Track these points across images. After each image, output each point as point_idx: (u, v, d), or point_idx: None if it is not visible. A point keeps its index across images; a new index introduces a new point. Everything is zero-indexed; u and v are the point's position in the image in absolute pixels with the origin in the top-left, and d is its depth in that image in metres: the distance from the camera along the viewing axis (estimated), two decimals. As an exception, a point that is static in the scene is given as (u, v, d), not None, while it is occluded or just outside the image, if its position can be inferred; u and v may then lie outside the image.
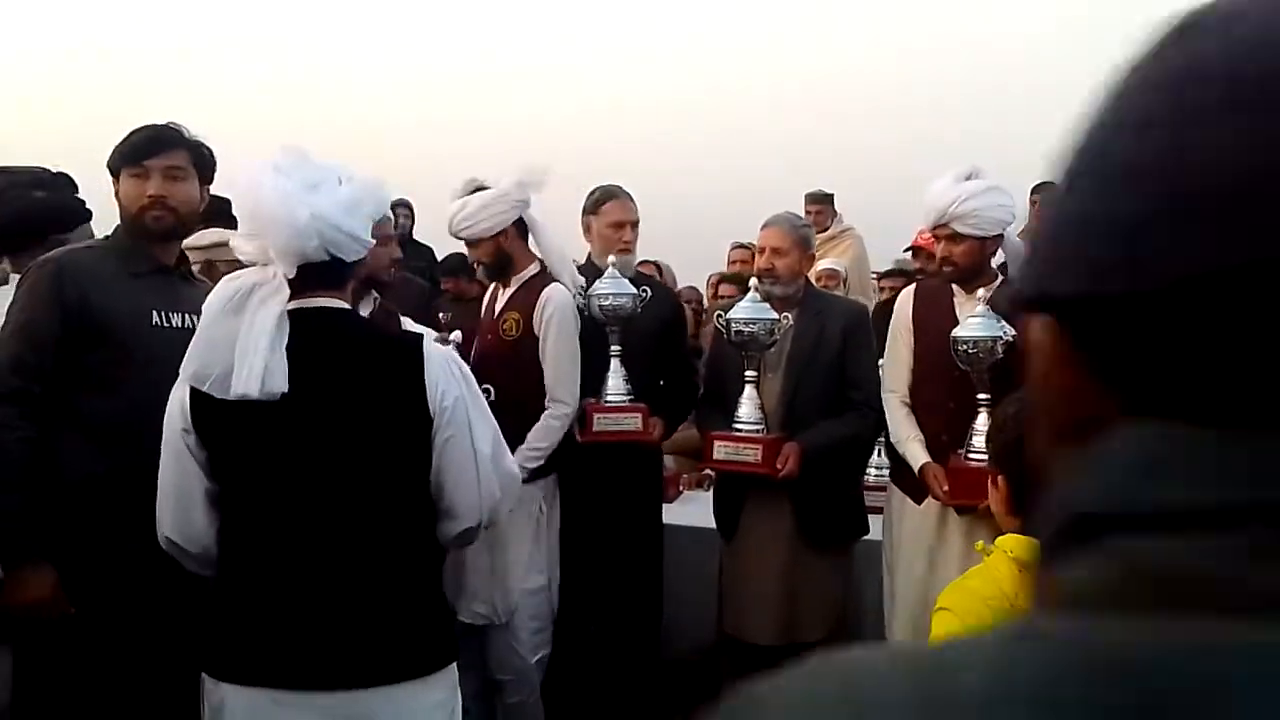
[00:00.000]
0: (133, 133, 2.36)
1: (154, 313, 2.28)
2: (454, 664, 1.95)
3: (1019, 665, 0.33)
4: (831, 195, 6.17)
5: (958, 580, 1.44)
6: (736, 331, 2.88)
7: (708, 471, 4.13)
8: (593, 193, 3.23)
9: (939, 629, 1.35)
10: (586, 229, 3.23)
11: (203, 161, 2.38)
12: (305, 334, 1.84)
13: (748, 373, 2.93)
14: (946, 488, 2.69)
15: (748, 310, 2.89)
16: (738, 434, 2.89)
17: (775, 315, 2.89)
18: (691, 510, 3.52)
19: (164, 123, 2.38)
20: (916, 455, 2.81)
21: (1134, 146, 0.37)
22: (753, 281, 2.97)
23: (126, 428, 2.14)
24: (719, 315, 3.00)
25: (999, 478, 1.49)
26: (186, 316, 2.31)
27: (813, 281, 3.27)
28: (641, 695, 3.20)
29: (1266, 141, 0.33)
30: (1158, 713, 0.30)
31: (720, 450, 2.91)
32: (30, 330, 2.19)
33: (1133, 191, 0.36)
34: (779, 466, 2.82)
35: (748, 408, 2.91)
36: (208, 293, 2.43)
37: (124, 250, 2.34)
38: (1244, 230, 0.33)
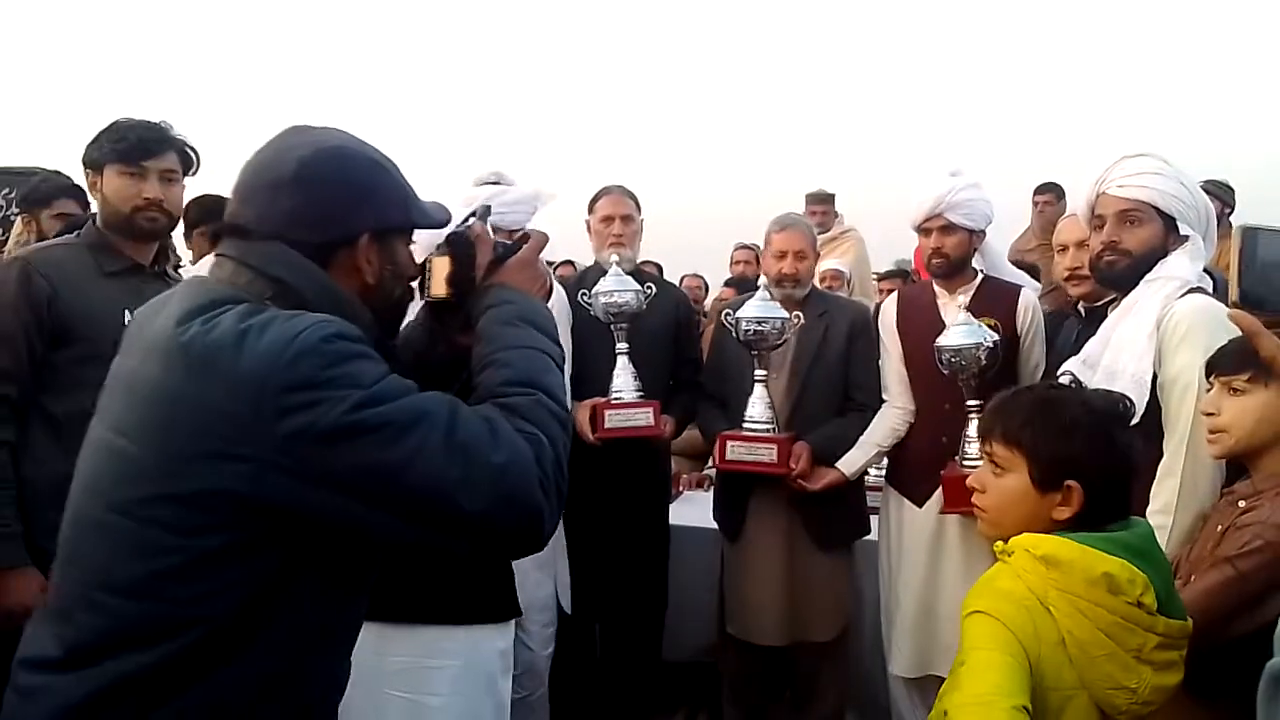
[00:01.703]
0: (123, 127, 2.33)
1: (126, 312, 2.18)
2: (514, 620, 2.12)
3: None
4: (833, 195, 6.16)
5: (983, 582, 1.41)
6: (745, 330, 2.85)
7: (708, 471, 4.14)
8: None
9: (976, 633, 1.32)
10: (587, 228, 3.24)
11: (187, 162, 2.41)
12: None
13: (758, 372, 2.89)
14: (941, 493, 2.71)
15: (758, 309, 2.85)
16: (751, 434, 2.86)
17: (786, 314, 2.86)
18: (692, 510, 3.51)
19: (155, 121, 2.36)
20: (850, 459, 2.87)
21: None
22: (762, 280, 2.93)
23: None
24: (726, 314, 2.97)
25: (1070, 484, 1.40)
26: None
27: (816, 282, 3.27)
28: (643, 693, 3.19)
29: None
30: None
31: (734, 450, 2.85)
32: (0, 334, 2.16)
33: None
34: (792, 465, 2.80)
35: (759, 407, 2.87)
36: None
37: (98, 248, 2.31)
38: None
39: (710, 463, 4.15)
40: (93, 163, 2.32)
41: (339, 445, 1.01)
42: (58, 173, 3.59)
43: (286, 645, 1.10)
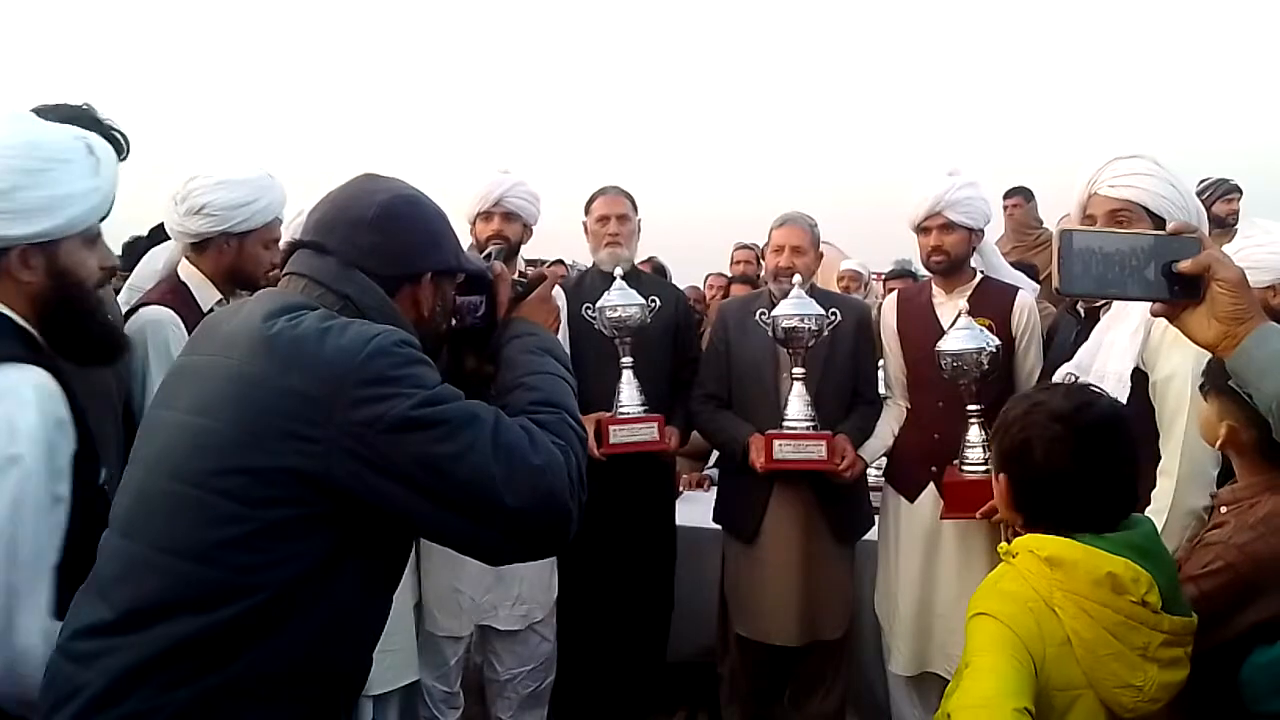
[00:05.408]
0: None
1: None
2: None
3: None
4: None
5: (988, 583, 1.43)
6: (783, 327, 2.82)
7: (709, 471, 4.13)
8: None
9: (980, 636, 1.34)
10: (584, 230, 3.25)
11: None
12: None
13: (795, 370, 2.87)
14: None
15: (794, 306, 2.82)
16: (798, 431, 2.80)
17: (822, 311, 2.83)
18: (692, 510, 3.49)
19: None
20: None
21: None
22: (796, 279, 2.89)
23: None
24: (761, 313, 2.94)
25: (1001, 475, 1.50)
26: None
27: (835, 283, 3.27)
28: (643, 693, 3.19)
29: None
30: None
31: (782, 450, 2.79)
32: None
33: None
34: (837, 462, 2.79)
35: (798, 405, 2.84)
36: None
37: None
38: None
39: (711, 462, 4.15)
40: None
41: (402, 435, 1.13)
42: None
43: (322, 627, 1.18)
